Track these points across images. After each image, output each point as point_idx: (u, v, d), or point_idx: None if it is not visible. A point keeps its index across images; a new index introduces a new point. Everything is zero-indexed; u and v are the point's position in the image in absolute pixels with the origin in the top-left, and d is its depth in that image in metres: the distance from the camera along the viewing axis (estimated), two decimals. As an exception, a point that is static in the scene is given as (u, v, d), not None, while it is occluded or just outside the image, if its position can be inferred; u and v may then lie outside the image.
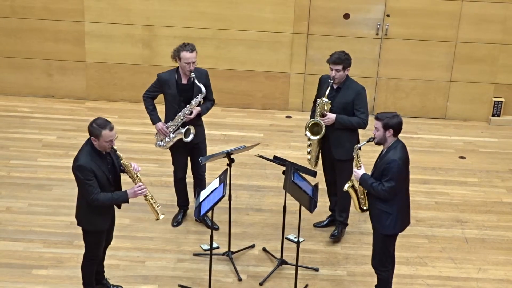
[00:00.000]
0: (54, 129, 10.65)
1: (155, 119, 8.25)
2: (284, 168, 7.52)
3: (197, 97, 8.04)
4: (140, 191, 6.86)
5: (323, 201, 8.64)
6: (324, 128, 7.97)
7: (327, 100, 7.92)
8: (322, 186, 8.26)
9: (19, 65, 11.40)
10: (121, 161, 6.86)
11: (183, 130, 8.10)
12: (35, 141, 10.28)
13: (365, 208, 7.21)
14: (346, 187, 7.19)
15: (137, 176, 6.92)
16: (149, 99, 8.24)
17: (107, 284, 7.52)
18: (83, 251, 7.14)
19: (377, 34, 11.11)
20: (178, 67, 8.08)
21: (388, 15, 11.00)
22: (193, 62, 7.93)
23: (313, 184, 7.36)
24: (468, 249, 8.46)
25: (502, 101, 11.34)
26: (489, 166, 10.22)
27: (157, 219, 7.08)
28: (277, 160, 7.71)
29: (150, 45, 11.24)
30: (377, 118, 6.90)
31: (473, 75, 11.29)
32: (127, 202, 6.91)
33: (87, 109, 11.27)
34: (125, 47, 11.26)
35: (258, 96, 11.52)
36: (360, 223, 8.66)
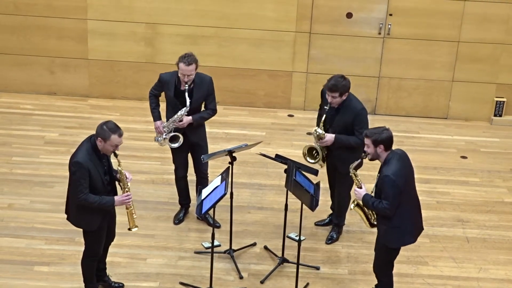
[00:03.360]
0: (56, 126, 10.66)
1: (155, 117, 8.29)
2: (286, 166, 7.53)
3: (182, 110, 8.04)
4: (127, 201, 6.92)
5: (325, 200, 8.65)
6: (321, 153, 7.97)
7: (321, 131, 7.86)
8: (324, 184, 8.26)
9: (22, 62, 11.41)
10: (118, 169, 6.89)
11: (171, 135, 8.12)
12: (38, 138, 10.30)
13: (375, 223, 7.16)
14: (351, 206, 7.17)
15: (128, 185, 6.96)
16: (152, 97, 8.28)
17: (109, 281, 7.54)
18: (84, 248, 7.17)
19: (379, 33, 11.11)
20: None
21: (390, 15, 11.01)
22: (189, 75, 7.91)
23: (314, 182, 7.38)
24: (469, 249, 8.47)
25: (504, 101, 11.34)
26: (490, 166, 10.23)
27: (129, 229, 7.09)
28: (279, 158, 7.72)
29: (152, 43, 11.25)
30: (366, 135, 6.85)
31: (475, 75, 11.29)
32: (113, 208, 6.99)
33: (90, 107, 11.28)
34: (128, 45, 11.27)
35: (260, 94, 11.53)
36: (361, 222, 8.64)
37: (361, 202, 7.07)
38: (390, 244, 7.00)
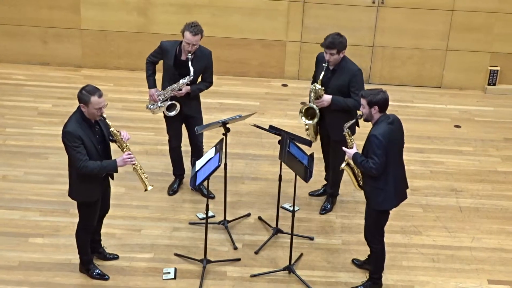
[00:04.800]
0: (49, 97, 10.63)
1: (150, 84, 8.25)
2: (280, 137, 7.53)
3: (185, 78, 8.01)
4: (129, 159, 6.84)
5: (318, 170, 8.66)
6: (318, 113, 7.93)
7: (320, 86, 7.85)
8: (318, 155, 8.27)
9: (14, 32, 11.34)
10: (110, 129, 6.84)
11: (168, 103, 8.10)
12: (31, 109, 10.27)
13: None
14: (343, 165, 7.20)
15: (126, 145, 6.91)
16: (149, 64, 8.24)
17: (104, 253, 7.56)
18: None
19: (373, 2, 11.06)
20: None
21: (384, -17, 10.97)
22: (194, 45, 7.88)
23: (308, 153, 7.38)
24: (462, 218, 8.51)
25: (498, 70, 11.32)
26: (484, 135, 10.25)
27: (145, 190, 7.07)
28: (272, 129, 7.71)
29: (145, 12, 11.18)
30: (362, 96, 6.91)
31: (469, 44, 11.26)
32: (116, 171, 6.90)
33: (83, 77, 11.23)
34: (121, 15, 11.20)
35: (254, 64, 11.49)
36: (355, 192, 8.68)
37: (351, 162, 7.14)
38: (374, 206, 7.03)
